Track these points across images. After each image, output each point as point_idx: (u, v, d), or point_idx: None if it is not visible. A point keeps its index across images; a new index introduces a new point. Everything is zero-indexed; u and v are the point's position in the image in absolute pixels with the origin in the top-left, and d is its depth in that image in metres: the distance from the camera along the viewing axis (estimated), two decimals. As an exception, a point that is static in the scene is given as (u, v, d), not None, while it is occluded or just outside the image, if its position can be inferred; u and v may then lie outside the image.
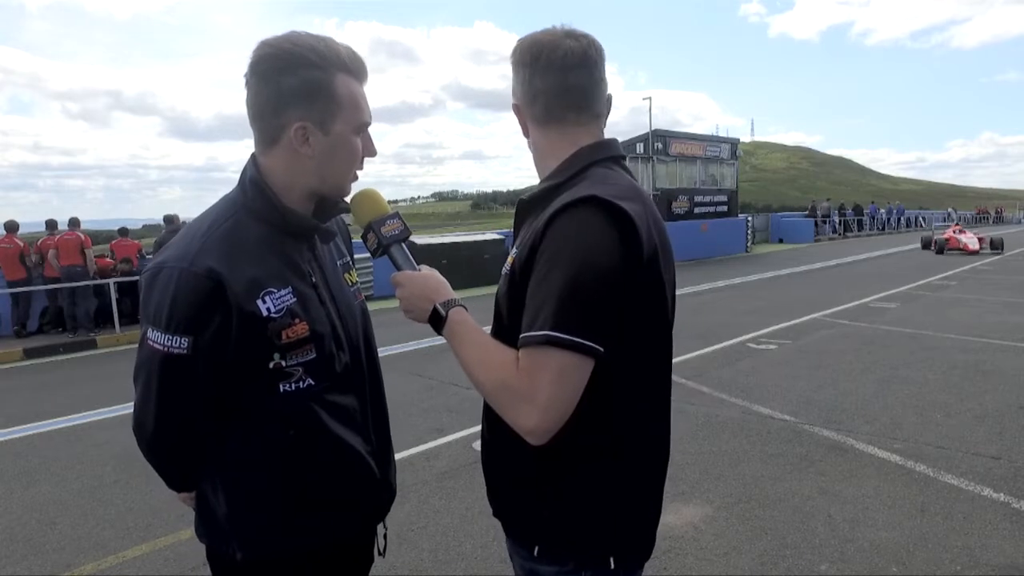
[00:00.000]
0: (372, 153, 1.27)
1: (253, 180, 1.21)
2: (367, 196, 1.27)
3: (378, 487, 1.36)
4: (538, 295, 1.04)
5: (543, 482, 1.16)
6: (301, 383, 1.20)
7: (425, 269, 1.24)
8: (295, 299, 1.19)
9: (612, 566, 1.17)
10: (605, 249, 1.03)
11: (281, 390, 1.19)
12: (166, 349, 1.12)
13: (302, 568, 1.29)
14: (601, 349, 1.03)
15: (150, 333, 1.14)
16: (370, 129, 1.26)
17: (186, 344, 1.12)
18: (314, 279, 1.25)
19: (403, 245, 1.26)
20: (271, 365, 1.17)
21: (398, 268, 1.24)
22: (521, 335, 1.04)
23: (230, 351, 1.14)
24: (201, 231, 1.17)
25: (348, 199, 1.30)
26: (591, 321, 1.02)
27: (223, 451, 1.23)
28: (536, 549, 1.18)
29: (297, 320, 1.18)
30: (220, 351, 1.14)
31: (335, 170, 1.23)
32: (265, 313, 1.15)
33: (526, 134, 1.30)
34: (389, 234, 1.24)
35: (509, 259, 1.17)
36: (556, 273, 1.02)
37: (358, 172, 1.28)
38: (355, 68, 1.20)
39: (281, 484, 1.23)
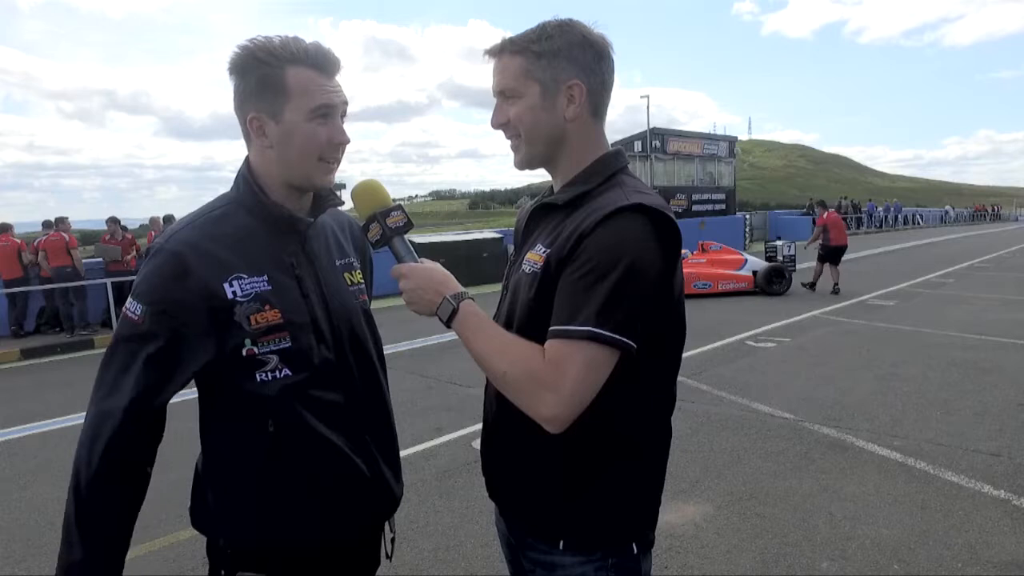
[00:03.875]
0: (339, 139, 1.27)
1: (242, 175, 1.29)
2: (370, 187, 1.27)
3: (367, 487, 1.34)
4: (578, 292, 1.06)
5: (572, 476, 1.17)
6: (278, 372, 1.23)
7: (427, 262, 1.24)
8: (269, 287, 1.22)
9: (635, 551, 1.20)
10: (652, 255, 1.07)
11: (258, 379, 1.22)
12: (133, 316, 1.18)
13: (298, 565, 1.29)
14: (635, 346, 1.06)
15: (128, 302, 1.21)
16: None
17: (147, 314, 1.16)
18: (298, 271, 1.28)
19: (405, 237, 1.25)
20: (244, 352, 1.20)
21: (399, 260, 1.23)
22: (555, 327, 1.06)
23: (200, 330, 1.18)
24: (189, 219, 1.26)
25: (349, 191, 1.30)
26: (632, 321, 1.05)
27: (210, 440, 1.29)
28: (561, 543, 1.19)
29: (267, 307, 1.21)
30: (187, 327, 1.17)
31: (295, 157, 1.24)
32: (231, 296, 1.19)
33: (547, 123, 1.17)
34: (394, 225, 1.23)
35: (535, 256, 1.17)
36: (603, 273, 1.04)
37: (333, 160, 1.27)
38: (311, 59, 1.22)
39: (263, 476, 1.25)
